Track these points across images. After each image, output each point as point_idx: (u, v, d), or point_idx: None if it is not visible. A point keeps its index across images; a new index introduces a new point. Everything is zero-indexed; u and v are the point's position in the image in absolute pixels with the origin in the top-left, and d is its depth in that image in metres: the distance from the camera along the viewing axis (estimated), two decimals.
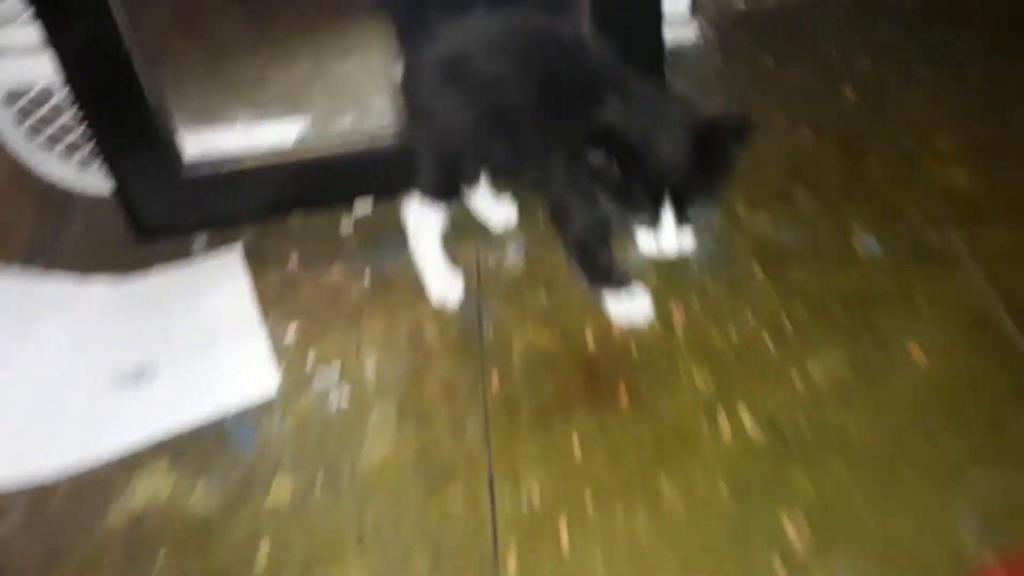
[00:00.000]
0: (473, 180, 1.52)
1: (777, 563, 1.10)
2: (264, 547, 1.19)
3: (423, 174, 1.42)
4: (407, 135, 1.44)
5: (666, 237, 1.21)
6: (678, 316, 1.42)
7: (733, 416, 1.27)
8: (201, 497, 1.26)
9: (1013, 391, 1.26)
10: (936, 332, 1.34)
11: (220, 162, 1.66)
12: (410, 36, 1.40)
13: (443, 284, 1.50)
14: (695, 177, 1.19)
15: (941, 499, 1.14)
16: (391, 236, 1.60)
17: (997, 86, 1.77)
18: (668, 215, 1.19)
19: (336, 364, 1.43)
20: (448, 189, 1.44)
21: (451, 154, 1.40)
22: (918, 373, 1.30)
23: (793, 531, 1.13)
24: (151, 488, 1.28)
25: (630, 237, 1.31)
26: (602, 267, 1.41)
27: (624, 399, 1.31)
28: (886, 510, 1.14)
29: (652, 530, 1.15)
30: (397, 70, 1.39)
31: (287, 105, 1.89)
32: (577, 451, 1.26)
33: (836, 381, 1.30)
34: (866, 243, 1.50)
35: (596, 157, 1.19)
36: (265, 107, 1.89)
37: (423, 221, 1.46)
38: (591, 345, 1.40)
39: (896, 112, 1.74)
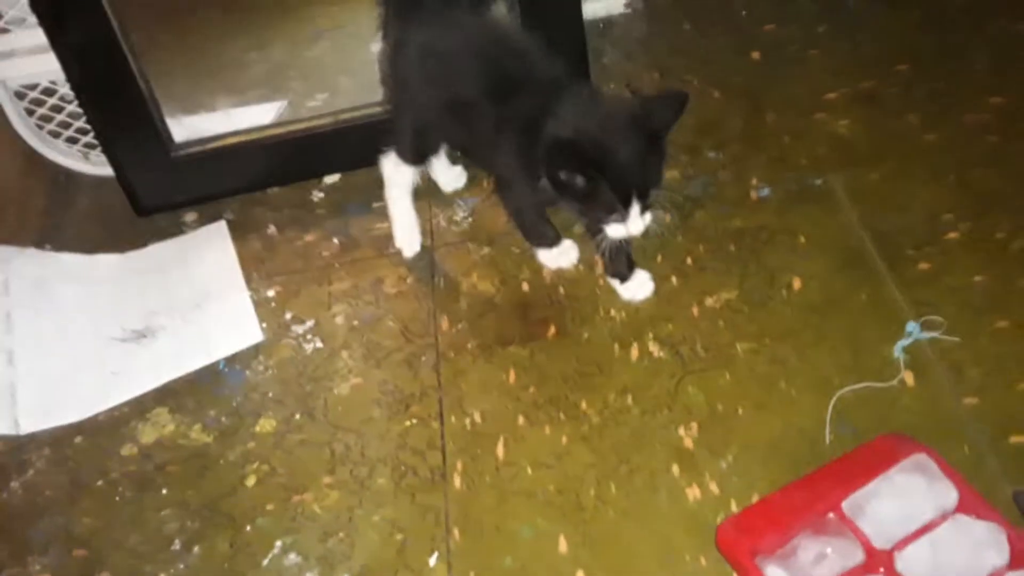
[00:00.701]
0: (435, 150, 1.58)
1: (673, 460, 1.22)
2: (252, 472, 1.30)
3: (399, 138, 1.48)
4: (389, 103, 1.48)
5: (634, 225, 1.24)
6: (600, 262, 1.49)
7: (641, 342, 1.36)
8: (199, 431, 1.37)
9: (873, 313, 1.34)
10: (814, 264, 1.42)
11: (205, 141, 1.71)
12: (399, 18, 1.42)
13: (406, 234, 1.58)
14: (649, 168, 1.21)
15: (809, 405, 1.24)
16: (356, 203, 1.69)
17: (883, 42, 1.80)
18: (635, 208, 1.22)
19: (310, 314, 1.51)
20: (418, 154, 1.50)
21: (422, 126, 1.46)
22: (796, 300, 1.38)
23: (687, 434, 1.24)
24: (158, 425, 1.38)
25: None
26: (537, 231, 1.48)
27: (552, 333, 1.41)
28: (764, 416, 1.25)
29: (571, 439, 1.27)
30: (382, 46, 1.44)
31: (265, 89, 1.91)
32: (513, 379, 1.36)
33: (727, 309, 1.38)
34: (759, 188, 1.55)
35: (561, 174, 1.21)
36: (244, 92, 1.90)
37: (396, 177, 1.52)
38: (526, 288, 1.48)
39: (794, 71, 1.77)
